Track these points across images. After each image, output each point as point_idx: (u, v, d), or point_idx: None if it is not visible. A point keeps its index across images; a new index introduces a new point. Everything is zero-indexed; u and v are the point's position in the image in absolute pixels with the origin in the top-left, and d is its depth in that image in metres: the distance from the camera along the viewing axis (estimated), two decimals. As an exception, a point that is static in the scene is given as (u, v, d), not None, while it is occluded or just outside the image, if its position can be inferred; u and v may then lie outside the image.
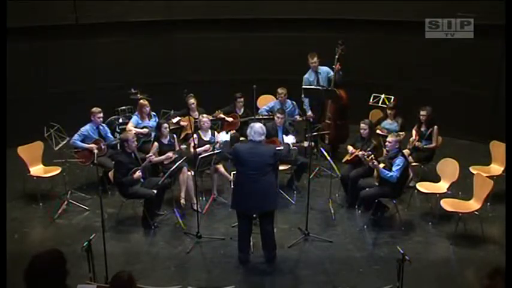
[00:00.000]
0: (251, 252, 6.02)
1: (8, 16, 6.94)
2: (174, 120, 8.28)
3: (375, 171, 6.79)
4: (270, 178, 5.73)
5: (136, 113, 8.15)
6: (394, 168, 6.44)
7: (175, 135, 7.69)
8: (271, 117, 8.13)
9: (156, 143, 7.26)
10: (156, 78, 10.09)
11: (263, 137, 5.78)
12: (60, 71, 9.49)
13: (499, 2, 7.93)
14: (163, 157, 7.15)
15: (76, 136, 7.47)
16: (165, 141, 7.32)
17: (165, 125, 7.37)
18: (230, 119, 8.63)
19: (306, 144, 7.62)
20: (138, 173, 6.56)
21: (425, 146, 7.57)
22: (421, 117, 7.64)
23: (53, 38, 9.34)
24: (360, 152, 6.97)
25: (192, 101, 8.35)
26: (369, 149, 7.03)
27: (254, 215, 6.70)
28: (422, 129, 7.68)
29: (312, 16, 10.02)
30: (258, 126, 5.77)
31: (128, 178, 6.52)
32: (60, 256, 3.14)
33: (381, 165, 6.60)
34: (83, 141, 7.50)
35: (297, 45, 10.11)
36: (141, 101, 8.18)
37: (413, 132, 7.80)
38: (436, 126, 7.59)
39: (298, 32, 10.25)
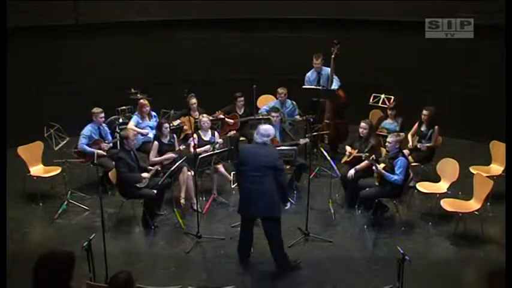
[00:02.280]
0: (251, 253, 6.01)
1: (8, 16, 6.94)
2: (175, 123, 8.27)
3: (375, 171, 6.78)
4: (272, 182, 5.48)
5: (136, 113, 8.15)
6: (397, 171, 6.44)
7: (175, 135, 7.70)
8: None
9: (156, 142, 7.27)
10: (156, 78, 10.08)
11: (266, 139, 5.60)
12: (60, 71, 9.49)
13: (499, 2, 7.93)
14: (163, 157, 7.15)
15: (83, 140, 7.44)
16: (165, 140, 7.33)
17: (166, 125, 7.37)
18: (231, 121, 8.63)
19: (302, 141, 7.62)
20: (146, 174, 6.61)
21: (426, 145, 7.56)
22: (423, 116, 7.65)
23: (53, 38, 9.34)
24: (365, 162, 6.92)
25: (194, 100, 8.35)
26: (366, 149, 7.03)
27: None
28: (423, 129, 7.67)
29: (311, 16, 10.03)
30: (262, 127, 5.66)
31: (136, 175, 6.56)
32: (72, 260, 3.18)
33: (381, 165, 6.61)
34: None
35: (297, 45, 10.13)
36: (141, 100, 8.18)
37: (409, 137, 7.78)
38: (436, 127, 7.59)
39: (298, 32, 10.25)
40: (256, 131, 5.69)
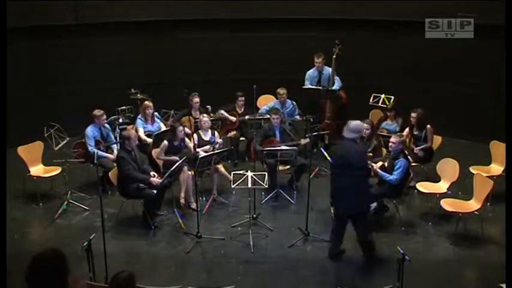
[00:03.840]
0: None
1: (8, 16, 6.94)
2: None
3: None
4: (351, 180, 5.50)
5: (139, 116, 8.09)
6: (395, 172, 6.43)
7: (186, 139, 7.54)
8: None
9: (166, 143, 7.22)
10: (156, 78, 10.09)
11: (356, 135, 5.60)
12: (60, 71, 9.48)
13: (499, 2, 7.94)
14: (170, 158, 7.11)
15: (92, 143, 7.42)
16: (176, 143, 7.29)
17: (180, 128, 7.30)
18: (233, 118, 8.64)
19: (303, 141, 7.63)
20: (154, 179, 6.60)
21: (420, 148, 7.55)
22: (412, 119, 7.64)
23: (53, 38, 9.34)
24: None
25: (197, 99, 8.35)
26: (369, 149, 7.03)
27: (255, 215, 6.77)
28: (416, 132, 7.65)
29: (312, 16, 10.03)
30: (353, 123, 5.63)
31: (142, 175, 6.59)
32: (59, 255, 3.14)
33: (378, 164, 6.60)
34: None
35: (297, 45, 10.13)
36: (146, 102, 8.11)
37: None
38: (428, 126, 7.58)
39: (298, 32, 10.25)
40: (346, 126, 5.65)
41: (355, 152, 5.59)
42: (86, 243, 4.80)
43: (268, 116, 8.07)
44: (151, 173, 6.81)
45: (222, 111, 8.66)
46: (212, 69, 10.43)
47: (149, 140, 7.84)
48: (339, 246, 6.00)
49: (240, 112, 8.79)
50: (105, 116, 7.66)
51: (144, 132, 7.97)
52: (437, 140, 7.85)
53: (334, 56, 8.45)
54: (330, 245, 6.04)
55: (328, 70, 8.62)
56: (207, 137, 7.67)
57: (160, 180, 6.65)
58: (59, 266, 3.10)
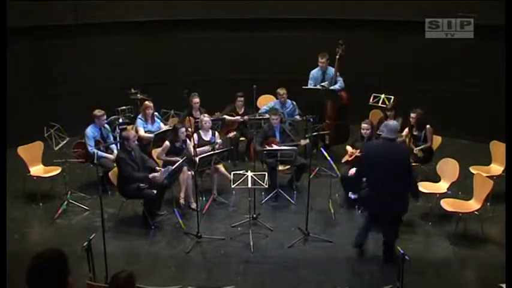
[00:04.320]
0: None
1: (8, 16, 6.94)
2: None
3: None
4: (393, 179, 5.46)
5: (140, 115, 8.09)
6: None
7: (188, 140, 7.57)
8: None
9: (168, 143, 7.23)
10: (156, 78, 10.09)
11: (395, 135, 5.59)
12: (60, 71, 9.49)
13: (499, 2, 7.94)
14: (171, 159, 7.10)
15: (91, 143, 7.41)
16: (177, 144, 7.28)
17: (183, 129, 7.28)
18: (238, 117, 8.64)
19: (302, 142, 7.63)
20: (155, 174, 6.59)
21: (419, 148, 7.54)
22: (411, 120, 7.64)
23: (53, 38, 9.34)
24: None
25: (197, 100, 8.34)
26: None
27: (255, 215, 6.77)
28: (415, 132, 7.65)
29: (312, 16, 10.03)
30: (391, 123, 5.70)
31: (142, 174, 6.57)
32: (61, 255, 3.13)
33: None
34: None
35: (297, 45, 10.14)
36: (146, 102, 8.10)
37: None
38: (428, 126, 7.58)
39: (298, 32, 10.26)
40: (385, 127, 5.63)
41: (399, 151, 5.63)
42: (86, 243, 4.81)
43: (268, 116, 8.06)
44: (157, 168, 6.81)
45: (226, 117, 8.66)
46: (212, 69, 10.43)
47: (150, 135, 7.82)
48: (365, 238, 6.07)
49: (240, 112, 8.79)
50: (105, 117, 7.66)
51: (145, 132, 7.96)
52: (437, 140, 7.85)
53: (337, 57, 8.44)
54: (357, 240, 6.06)
55: (332, 70, 8.62)
56: (207, 137, 7.67)
57: (159, 175, 6.63)
58: (59, 266, 3.10)
